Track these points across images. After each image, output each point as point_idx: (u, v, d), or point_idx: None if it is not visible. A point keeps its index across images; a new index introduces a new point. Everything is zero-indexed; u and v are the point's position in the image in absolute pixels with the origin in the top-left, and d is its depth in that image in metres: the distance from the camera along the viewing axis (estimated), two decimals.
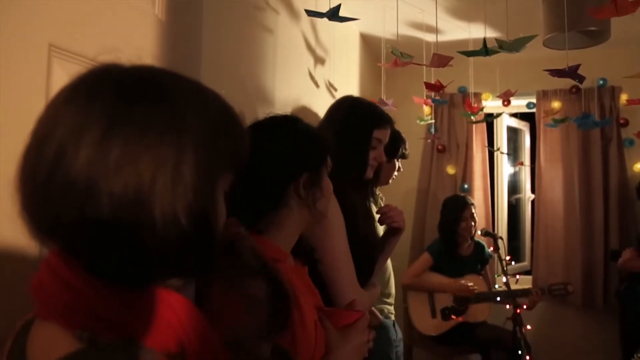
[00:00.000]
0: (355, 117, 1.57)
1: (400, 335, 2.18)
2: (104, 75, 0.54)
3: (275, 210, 1.07)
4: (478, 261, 3.24)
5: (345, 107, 1.62)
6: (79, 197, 0.50)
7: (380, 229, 1.84)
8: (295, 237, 1.12)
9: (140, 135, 0.51)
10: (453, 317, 3.04)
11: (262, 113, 1.17)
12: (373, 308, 1.89)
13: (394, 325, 2.11)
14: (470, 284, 3.05)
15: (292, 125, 1.12)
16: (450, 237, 3.14)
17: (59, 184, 0.50)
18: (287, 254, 1.09)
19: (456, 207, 3.15)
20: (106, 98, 0.52)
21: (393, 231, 1.71)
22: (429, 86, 2.56)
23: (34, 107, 0.82)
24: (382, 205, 1.71)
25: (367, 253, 1.47)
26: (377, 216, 1.66)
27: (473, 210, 3.15)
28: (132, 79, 0.54)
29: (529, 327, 2.85)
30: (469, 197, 3.25)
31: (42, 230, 0.53)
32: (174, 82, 0.57)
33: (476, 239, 3.24)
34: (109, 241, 0.50)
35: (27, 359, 0.53)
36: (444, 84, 2.55)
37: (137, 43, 1.11)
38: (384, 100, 2.86)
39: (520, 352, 2.71)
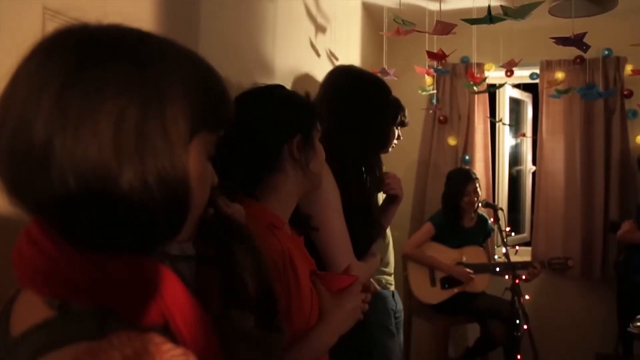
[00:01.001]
0: (376, 90, 1.55)
1: (400, 305, 2.19)
2: (65, 33, 0.52)
3: (270, 176, 1.08)
4: (480, 234, 3.25)
5: (363, 80, 1.57)
6: (40, 159, 0.48)
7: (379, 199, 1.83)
8: (293, 204, 1.13)
9: (98, 89, 0.48)
10: (456, 290, 3.07)
11: (259, 82, 1.17)
12: (371, 279, 1.90)
13: (392, 295, 2.12)
14: (469, 271, 3.07)
15: (278, 92, 1.14)
16: (452, 210, 3.15)
17: (21, 146, 0.49)
18: (284, 221, 1.09)
19: (460, 181, 3.14)
20: (64, 54, 0.49)
21: (391, 199, 1.71)
22: (431, 55, 2.52)
23: None
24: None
25: (365, 224, 1.47)
26: None
27: (477, 185, 3.15)
28: (93, 35, 0.52)
29: (527, 297, 2.89)
30: (474, 172, 3.23)
31: (14, 193, 0.52)
32: (140, 37, 0.54)
33: (479, 212, 3.24)
34: (77, 207, 0.48)
35: (9, 327, 0.52)
36: (447, 53, 2.52)
37: (133, 10, 1.09)
38: (386, 69, 2.83)
39: (518, 321, 2.75)
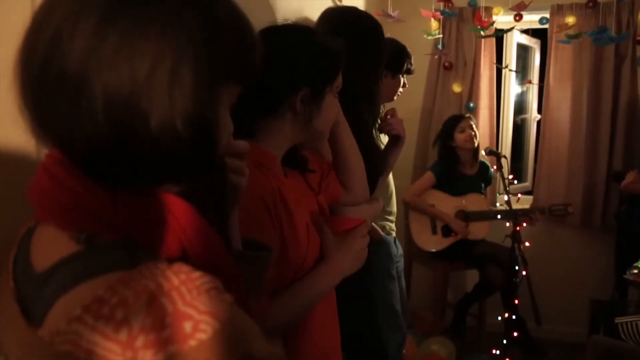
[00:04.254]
0: (367, 28, 1.50)
1: (401, 251, 2.23)
2: None
3: (267, 120, 1.04)
4: (482, 180, 3.25)
5: (371, 24, 1.54)
6: (72, 88, 0.48)
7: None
8: (287, 146, 1.09)
9: (138, 28, 0.48)
10: (457, 237, 3.10)
11: (261, 25, 1.11)
12: (374, 224, 1.92)
13: (394, 241, 2.15)
14: (466, 226, 3.08)
15: (306, 36, 1.05)
16: (448, 154, 3.13)
17: (53, 72, 0.48)
18: (275, 157, 1.06)
19: (451, 121, 3.15)
20: None
21: (394, 141, 1.69)
22: None
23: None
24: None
25: (370, 168, 1.46)
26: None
27: (471, 123, 3.12)
28: None
29: (527, 244, 2.91)
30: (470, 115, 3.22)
31: (38, 122, 0.51)
32: None
33: (481, 159, 3.23)
34: (102, 140, 0.49)
35: (31, 263, 0.53)
36: None
37: None
38: (389, 12, 2.73)
39: (516, 267, 2.79)
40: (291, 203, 1.00)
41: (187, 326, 0.43)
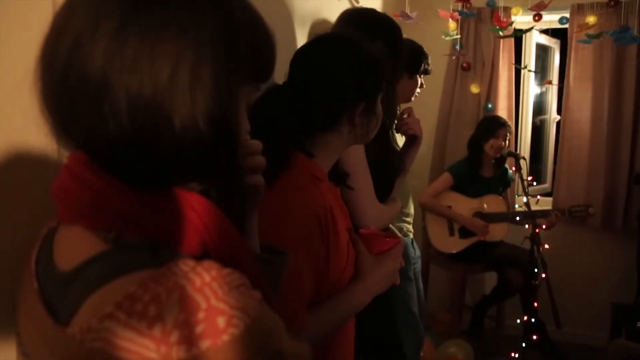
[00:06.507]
0: (386, 30, 1.51)
1: (418, 252, 2.21)
2: None
3: (323, 134, 1.05)
4: (500, 183, 3.21)
5: (390, 26, 1.55)
6: (95, 92, 0.48)
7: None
8: (334, 160, 1.12)
9: (157, 30, 0.48)
10: (474, 239, 3.06)
11: (278, 26, 1.12)
12: (392, 226, 1.91)
13: (412, 243, 2.14)
14: (484, 224, 3.05)
15: (354, 49, 1.06)
16: (476, 154, 3.10)
17: (75, 76, 0.48)
18: (326, 173, 1.09)
19: (493, 123, 3.10)
20: None
21: (411, 141, 1.68)
22: None
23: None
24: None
25: (387, 169, 1.46)
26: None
27: (508, 134, 3.09)
28: None
29: (546, 246, 2.88)
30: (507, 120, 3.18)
31: (60, 126, 0.52)
32: None
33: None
34: (126, 142, 0.49)
35: (54, 263, 0.53)
36: None
37: None
38: (407, 13, 2.73)
39: (536, 270, 2.75)
40: (338, 218, 1.02)
41: (221, 321, 0.43)
